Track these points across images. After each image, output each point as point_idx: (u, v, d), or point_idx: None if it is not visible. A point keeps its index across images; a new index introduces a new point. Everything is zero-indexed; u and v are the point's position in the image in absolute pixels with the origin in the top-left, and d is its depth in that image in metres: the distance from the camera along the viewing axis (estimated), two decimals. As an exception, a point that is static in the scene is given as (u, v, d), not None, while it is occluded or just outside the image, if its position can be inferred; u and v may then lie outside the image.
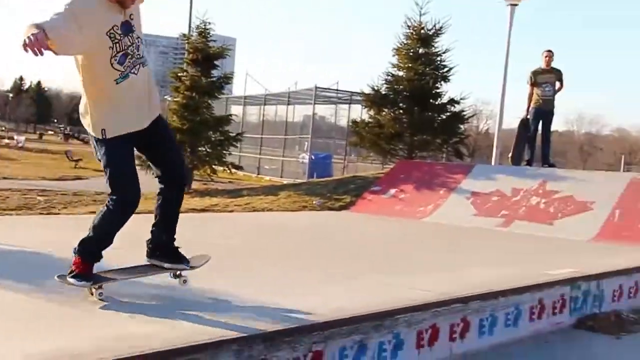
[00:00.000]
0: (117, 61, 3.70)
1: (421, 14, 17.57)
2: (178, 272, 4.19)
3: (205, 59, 19.53)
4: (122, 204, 3.86)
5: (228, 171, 20.90)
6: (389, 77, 17.65)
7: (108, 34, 3.65)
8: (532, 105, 12.48)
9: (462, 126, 18.67)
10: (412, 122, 17.11)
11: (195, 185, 19.30)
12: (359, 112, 26.15)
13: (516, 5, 16.84)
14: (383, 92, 17.59)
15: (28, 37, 3.23)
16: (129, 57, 3.74)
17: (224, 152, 20.09)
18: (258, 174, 34.81)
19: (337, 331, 3.66)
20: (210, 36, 20.04)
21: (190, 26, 25.59)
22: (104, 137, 3.80)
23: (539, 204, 10.13)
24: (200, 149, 19.36)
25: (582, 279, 5.81)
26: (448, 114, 17.64)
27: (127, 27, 3.74)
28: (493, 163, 16.84)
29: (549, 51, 12.59)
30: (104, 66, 3.69)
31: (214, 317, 3.60)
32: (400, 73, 17.61)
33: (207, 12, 20.68)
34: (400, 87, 17.49)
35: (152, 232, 4.13)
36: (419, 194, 11.52)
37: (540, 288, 5.39)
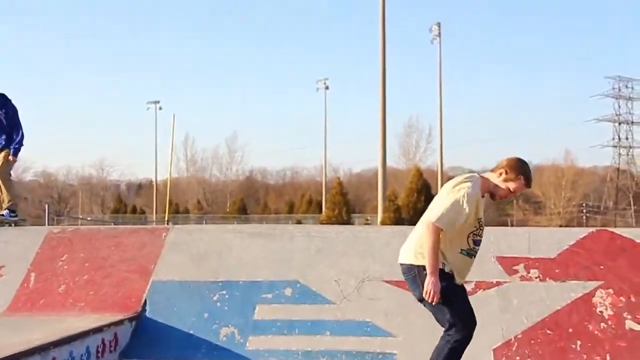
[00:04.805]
0: (473, 241, 4.73)
1: None
2: None
3: None
4: (467, 338, 4.61)
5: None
6: None
7: (478, 220, 4.72)
8: None
9: None
10: None
11: None
12: None
13: None
14: None
15: (432, 290, 4.53)
16: (476, 245, 4.76)
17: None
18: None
19: None
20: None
21: None
22: (447, 273, 4.67)
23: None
24: None
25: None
26: None
27: (483, 222, 4.80)
28: None
29: None
30: (463, 236, 4.70)
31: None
32: None
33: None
34: None
35: None
36: None
37: None
